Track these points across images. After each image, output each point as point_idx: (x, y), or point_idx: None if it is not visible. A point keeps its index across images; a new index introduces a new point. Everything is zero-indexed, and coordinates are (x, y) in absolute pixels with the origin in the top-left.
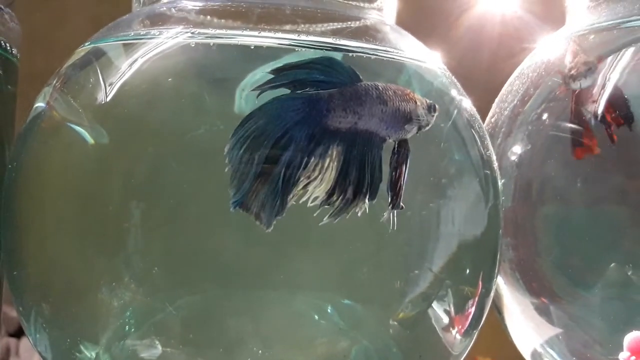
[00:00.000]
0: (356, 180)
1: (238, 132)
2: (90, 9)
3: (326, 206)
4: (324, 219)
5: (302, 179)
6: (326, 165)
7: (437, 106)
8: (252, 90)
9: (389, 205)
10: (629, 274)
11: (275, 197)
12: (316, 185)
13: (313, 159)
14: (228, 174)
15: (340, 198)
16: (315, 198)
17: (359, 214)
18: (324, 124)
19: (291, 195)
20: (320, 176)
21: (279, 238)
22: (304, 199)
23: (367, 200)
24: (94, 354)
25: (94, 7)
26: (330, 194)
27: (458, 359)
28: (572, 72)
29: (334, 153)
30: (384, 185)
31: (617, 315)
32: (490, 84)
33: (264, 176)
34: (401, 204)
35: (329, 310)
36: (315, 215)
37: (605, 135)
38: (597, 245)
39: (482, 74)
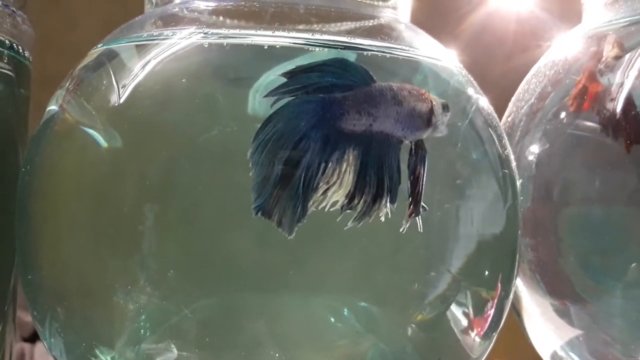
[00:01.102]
0: (375, 183)
1: (259, 136)
2: (101, 11)
3: (348, 210)
4: (349, 223)
5: (321, 184)
6: (343, 169)
7: (449, 106)
8: (263, 97)
9: (409, 207)
10: None
11: (297, 203)
12: (335, 190)
13: (330, 164)
14: (247, 177)
15: (361, 202)
16: (335, 203)
17: (382, 218)
18: (338, 126)
19: (311, 202)
20: (338, 181)
21: (296, 241)
22: (324, 204)
23: (388, 204)
24: (109, 358)
25: (105, 9)
26: (351, 197)
27: None
28: (601, 66)
29: (350, 157)
30: (403, 187)
31: (639, 315)
32: (507, 82)
33: (284, 181)
34: (423, 205)
35: (345, 313)
36: (332, 218)
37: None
38: (619, 244)
39: (498, 72)
